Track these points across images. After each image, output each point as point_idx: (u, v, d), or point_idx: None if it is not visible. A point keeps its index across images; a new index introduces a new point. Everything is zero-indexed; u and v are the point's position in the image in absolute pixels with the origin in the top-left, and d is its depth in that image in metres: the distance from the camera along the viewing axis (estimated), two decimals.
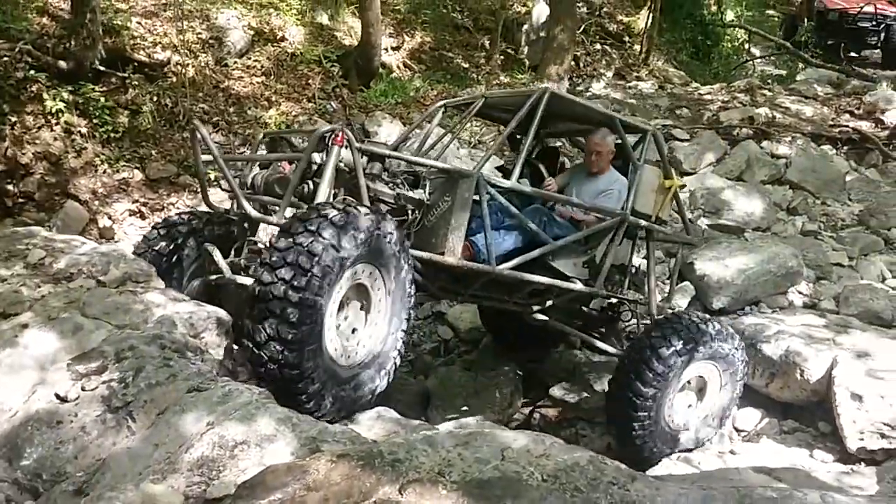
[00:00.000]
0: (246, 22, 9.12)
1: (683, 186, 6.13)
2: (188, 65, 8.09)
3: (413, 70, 10.48)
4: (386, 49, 9.96)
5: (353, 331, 3.58)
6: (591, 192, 4.97)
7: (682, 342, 4.39)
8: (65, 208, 6.76)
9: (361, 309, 3.62)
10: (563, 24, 10.11)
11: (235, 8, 9.28)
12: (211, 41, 8.66)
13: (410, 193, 4.22)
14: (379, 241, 3.40)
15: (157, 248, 4.14)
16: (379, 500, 2.32)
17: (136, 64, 7.72)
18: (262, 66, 8.61)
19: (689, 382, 4.71)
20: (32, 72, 6.85)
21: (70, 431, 2.74)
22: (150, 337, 3.22)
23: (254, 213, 3.88)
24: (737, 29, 18.00)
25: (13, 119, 6.72)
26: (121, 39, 7.69)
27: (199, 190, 6.19)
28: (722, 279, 6.36)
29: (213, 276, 4.09)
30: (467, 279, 4.45)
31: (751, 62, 16.90)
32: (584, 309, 5.57)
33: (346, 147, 3.85)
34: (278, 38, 9.27)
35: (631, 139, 5.08)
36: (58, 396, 2.83)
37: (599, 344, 5.34)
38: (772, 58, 17.58)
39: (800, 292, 6.49)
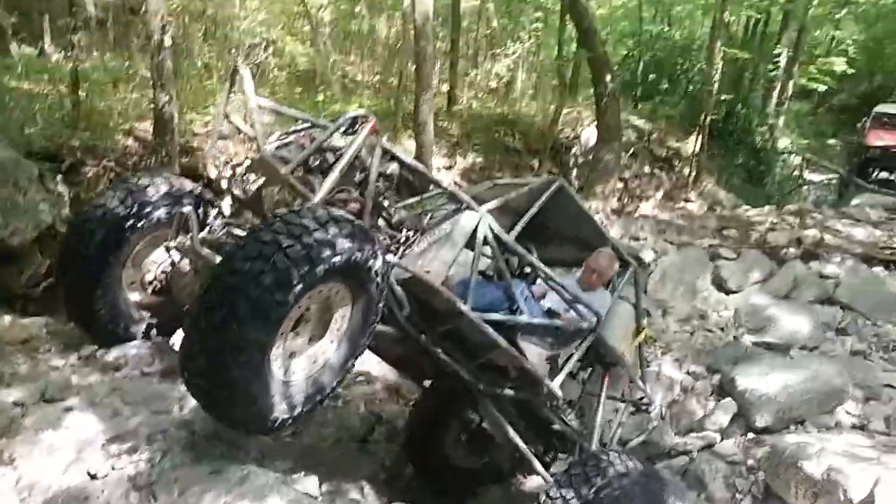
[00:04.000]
0: None
1: (655, 340, 6.15)
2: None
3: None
4: (438, 168, 10.56)
5: (309, 340, 3.37)
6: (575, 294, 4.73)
7: (589, 489, 3.84)
8: None
9: (318, 323, 3.40)
10: (610, 146, 10.55)
11: None
12: None
13: (411, 214, 4.15)
14: (362, 264, 3.20)
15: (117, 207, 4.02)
16: None
17: (207, 179, 8.43)
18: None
19: None
20: None
21: None
22: (182, 423, 3.45)
23: (286, 173, 3.67)
24: (792, 155, 18.23)
25: None
26: (194, 159, 8.47)
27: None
28: (764, 395, 6.22)
29: (174, 242, 3.99)
30: (435, 316, 4.11)
31: (805, 187, 16.99)
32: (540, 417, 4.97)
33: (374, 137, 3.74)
34: None
35: None
36: (89, 474, 3.05)
37: (536, 464, 4.77)
38: (827, 184, 17.66)
39: (848, 412, 6.26)
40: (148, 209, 4.04)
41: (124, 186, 4.12)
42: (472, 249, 3.99)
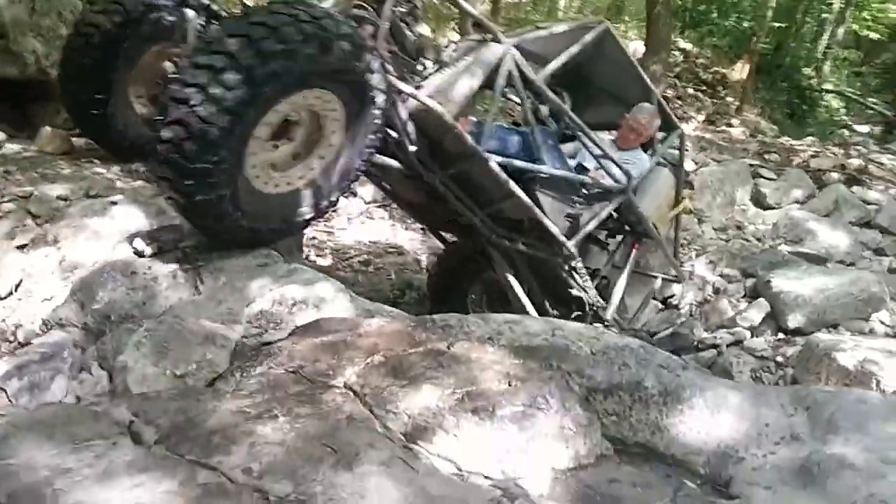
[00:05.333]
0: None
1: (692, 212, 5.86)
2: None
3: None
4: None
5: (295, 157, 3.13)
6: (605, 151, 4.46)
7: None
8: None
9: (311, 137, 3.14)
10: (659, 56, 10.22)
11: None
12: None
13: (430, 39, 3.81)
14: (354, 74, 2.91)
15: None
16: (427, 350, 2.34)
17: None
18: None
19: None
20: None
21: (142, 280, 2.88)
22: None
23: None
24: (834, 97, 17.66)
25: None
26: None
27: None
28: (799, 297, 6.09)
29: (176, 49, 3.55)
30: (445, 155, 3.82)
31: (847, 129, 16.48)
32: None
33: None
34: None
35: None
36: (136, 251, 3.00)
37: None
38: (871, 134, 17.11)
39: (882, 322, 6.14)
40: (152, 14, 3.77)
41: None
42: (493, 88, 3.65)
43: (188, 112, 2.51)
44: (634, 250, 4.80)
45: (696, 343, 6.21)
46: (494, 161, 3.67)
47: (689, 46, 13.62)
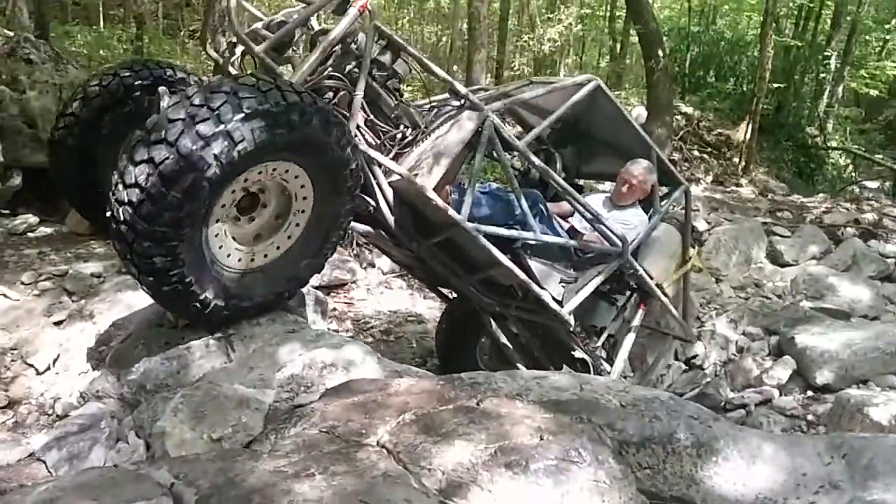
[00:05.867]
0: None
1: (700, 270, 5.65)
2: None
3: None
4: None
5: (257, 237, 3.06)
6: (603, 214, 4.31)
7: None
8: None
9: (278, 218, 3.09)
10: (662, 119, 10.45)
11: None
12: None
13: (411, 110, 3.69)
14: (312, 139, 2.79)
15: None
16: (457, 407, 2.36)
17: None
18: None
19: None
20: None
21: (176, 350, 2.95)
22: None
23: (260, 51, 3.27)
24: (841, 154, 17.84)
25: None
26: None
27: None
28: (826, 353, 6.02)
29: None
30: (429, 225, 3.73)
31: (857, 186, 16.57)
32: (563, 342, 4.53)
33: (367, 18, 3.31)
34: None
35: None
36: (169, 321, 3.07)
37: None
38: (881, 190, 17.19)
39: None
40: (133, 94, 3.77)
41: (107, 71, 3.93)
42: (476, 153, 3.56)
43: (148, 175, 2.45)
44: (641, 310, 4.65)
45: (723, 403, 6.12)
46: (478, 230, 3.57)
47: (690, 110, 13.93)
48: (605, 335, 4.54)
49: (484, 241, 3.57)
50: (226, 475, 1.94)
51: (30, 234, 4.53)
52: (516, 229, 3.77)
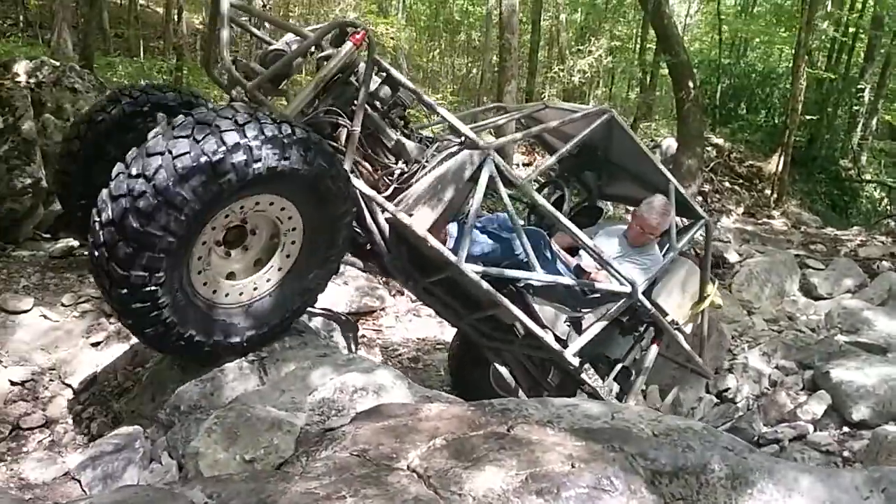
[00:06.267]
0: None
1: (720, 307, 5.42)
2: None
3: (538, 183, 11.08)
4: (518, 164, 10.64)
5: (251, 266, 2.97)
6: (616, 252, 4.22)
7: None
8: None
9: (268, 246, 3.00)
10: (692, 150, 10.42)
11: None
12: None
13: (411, 144, 3.57)
14: (304, 179, 2.71)
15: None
16: (488, 433, 2.36)
17: None
18: None
19: None
20: None
21: (210, 372, 2.99)
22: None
23: (228, 62, 3.21)
24: (875, 187, 17.57)
25: None
26: None
27: None
28: (862, 388, 5.88)
29: None
30: (426, 264, 3.62)
31: (892, 219, 16.27)
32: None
33: (363, 50, 3.21)
34: None
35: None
36: None
37: None
38: None
39: None
40: (136, 120, 3.74)
41: (111, 95, 3.91)
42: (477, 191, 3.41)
43: (124, 210, 2.37)
44: (655, 346, 4.49)
45: (756, 438, 5.99)
46: (476, 271, 3.43)
47: (721, 141, 13.87)
48: (618, 367, 4.43)
49: (481, 282, 3.45)
50: (258, 496, 1.96)
51: (70, 258, 4.65)
52: (520, 267, 3.65)
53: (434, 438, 2.32)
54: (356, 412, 2.67)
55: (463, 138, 3.45)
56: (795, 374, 6.66)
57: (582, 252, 4.12)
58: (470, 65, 14.39)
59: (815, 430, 5.91)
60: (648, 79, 14.52)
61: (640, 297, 3.93)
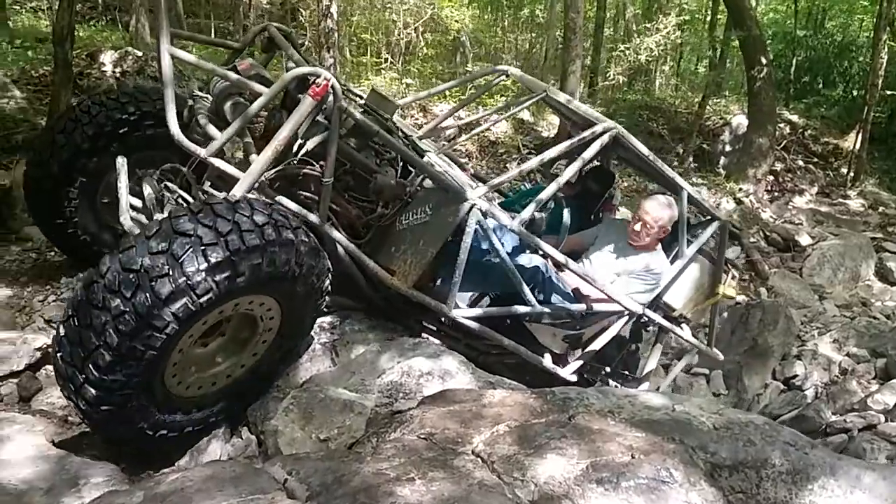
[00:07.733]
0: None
1: (733, 298, 5.30)
2: None
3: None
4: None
5: (224, 354, 2.82)
6: (620, 265, 4.01)
7: None
8: None
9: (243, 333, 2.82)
10: (764, 129, 10.10)
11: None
12: None
13: (391, 183, 3.42)
14: (285, 273, 2.58)
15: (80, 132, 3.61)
16: (550, 421, 2.45)
17: None
18: (466, 150, 9.42)
19: None
20: None
21: None
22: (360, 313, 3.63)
23: (175, 131, 3.03)
24: None
25: None
26: None
27: None
28: None
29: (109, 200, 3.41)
30: (414, 306, 3.45)
31: None
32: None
33: (325, 102, 3.01)
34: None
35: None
36: None
37: None
38: None
39: None
40: (122, 129, 3.67)
41: (94, 100, 3.75)
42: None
43: (104, 323, 2.30)
44: (660, 345, 4.42)
45: (823, 427, 5.89)
46: (465, 315, 3.34)
47: (795, 118, 13.32)
48: (623, 351, 4.37)
49: (474, 325, 3.37)
50: (334, 474, 2.10)
51: None
52: (516, 298, 3.46)
53: (497, 424, 2.42)
54: (423, 396, 2.79)
55: (448, 192, 3.28)
56: (867, 363, 6.50)
57: (584, 261, 4.03)
58: (533, 40, 14.24)
59: (885, 421, 5.78)
60: (718, 54, 14.03)
61: (647, 311, 3.83)
